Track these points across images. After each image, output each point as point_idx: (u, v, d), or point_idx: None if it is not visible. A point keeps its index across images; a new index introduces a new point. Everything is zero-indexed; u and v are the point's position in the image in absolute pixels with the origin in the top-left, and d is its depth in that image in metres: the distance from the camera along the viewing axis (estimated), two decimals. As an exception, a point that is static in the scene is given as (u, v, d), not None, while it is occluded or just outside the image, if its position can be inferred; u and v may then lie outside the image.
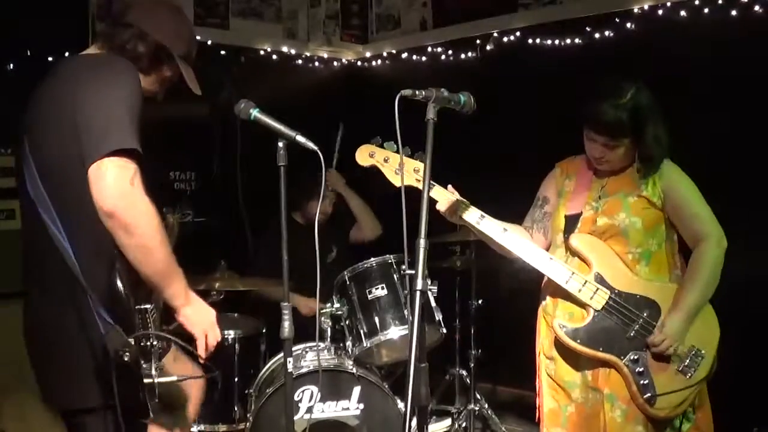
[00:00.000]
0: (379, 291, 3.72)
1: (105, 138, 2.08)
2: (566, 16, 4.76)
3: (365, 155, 2.85)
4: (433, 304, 3.62)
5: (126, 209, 2.08)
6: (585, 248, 2.79)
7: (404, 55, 5.69)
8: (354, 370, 3.57)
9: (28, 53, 4.22)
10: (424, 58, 5.56)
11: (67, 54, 2.45)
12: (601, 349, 2.72)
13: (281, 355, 3.48)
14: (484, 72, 5.09)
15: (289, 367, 2.49)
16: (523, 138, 4.66)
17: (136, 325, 2.16)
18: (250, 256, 4.70)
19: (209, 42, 5.04)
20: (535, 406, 3.03)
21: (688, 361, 2.72)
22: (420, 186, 2.65)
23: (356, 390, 3.56)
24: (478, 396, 4.53)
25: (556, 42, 4.83)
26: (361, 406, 3.56)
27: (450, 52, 5.40)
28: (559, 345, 2.85)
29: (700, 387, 2.76)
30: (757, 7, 4.01)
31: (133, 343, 2.07)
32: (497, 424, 4.45)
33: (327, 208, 4.61)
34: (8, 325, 2.55)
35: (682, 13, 4.26)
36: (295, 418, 3.37)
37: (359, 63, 6.06)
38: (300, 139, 2.41)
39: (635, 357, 2.71)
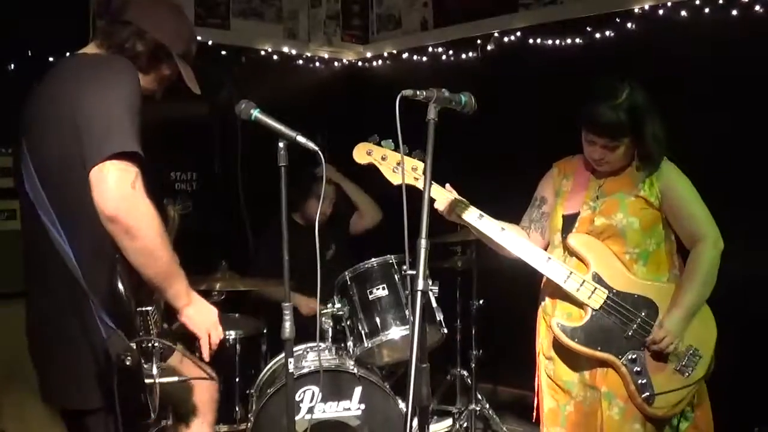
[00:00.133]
0: (380, 291, 3.72)
1: (106, 141, 2.07)
2: (567, 16, 4.76)
3: (362, 153, 2.85)
4: (434, 304, 3.62)
5: (128, 213, 2.07)
6: (583, 248, 2.79)
7: (405, 56, 5.69)
8: (355, 371, 3.57)
9: (29, 53, 4.22)
10: (424, 59, 5.56)
11: (68, 54, 2.44)
12: (599, 348, 2.73)
13: (282, 355, 3.49)
14: (485, 72, 5.09)
15: (291, 367, 2.49)
16: (523, 138, 4.66)
17: (137, 328, 2.16)
18: (250, 256, 4.70)
19: (210, 42, 5.04)
20: (534, 408, 3.03)
21: (685, 360, 2.73)
22: (418, 185, 2.68)
23: (357, 390, 3.56)
24: (479, 396, 4.53)
25: (557, 42, 4.82)
26: (363, 406, 3.56)
27: (451, 52, 5.40)
28: (557, 345, 2.85)
29: (697, 387, 2.77)
30: (757, 7, 4.01)
31: (134, 347, 2.07)
32: (498, 425, 4.45)
33: (326, 209, 4.60)
34: (8, 325, 2.55)
35: (683, 13, 4.25)
36: (297, 418, 3.37)
37: (360, 63, 6.06)
38: (300, 139, 2.40)
39: (633, 356, 2.72)
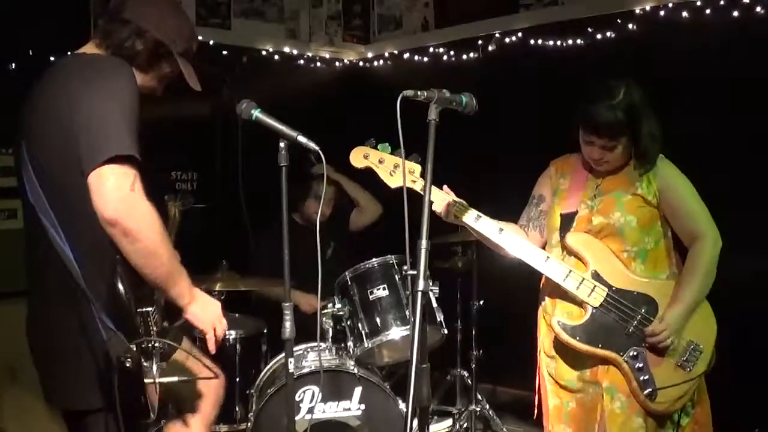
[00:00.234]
0: (381, 291, 3.72)
1: (103, 144, 2.07)
2: (568, 16, 4.76)
3: (359, 157, 2.88)
4: (435, 304, 3.62)
5: (127, 216, 2.07)
6: (581, 247, 2.80)
7: (406, 56, 5.69)
8: (355, 371, 3.57)
9: (30, 52, 4.22)
10: (425, 59, 5.56)
11: (69, 53, 2.44)
12: (600, 345, 2.74)
13: (282, 355, 3.49)
14: (486, 73, 5.09)
15: (291, 367, 2.49)
16: (523, 138, 4.66)
17: (137, 329, 2.16)
18: (251, 256, 4.70)
19: (211, 42, 5.04)
20: (535, 407, 3.04)
21: (687, 355, 2.75)
22: (415, 187, 2.70)
23: (357, 390, 3.56)
24: (479, 397, 4.53)
25: (558, 43, 4.82)
26: (363, 406, 3.56)
27: (452, 52, 5.40)
28: (559, 344, 2.86)
29: (699, 381, 2.79)
30: (758, 8, 4.00)
31: (134, 349, 2.07)
32: (498, 425, 4.45)
33: (325, 209, 4.60)
34: (9, 325, 2.55)
35: (684, 14, 4.25)
36: (297, 418, 3.37)
37: (361, 63, 6.06)
38: (301, 139, 2.40)
39: (635, 353, 2.73)
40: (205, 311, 2.36)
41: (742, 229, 3.23)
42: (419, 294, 1.97)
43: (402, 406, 3.52)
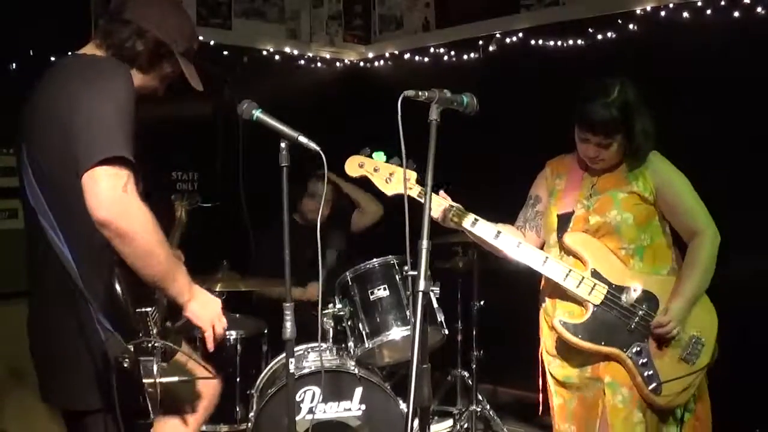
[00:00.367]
0: (381, 292, 3.72)
1: (96, 146, 2.06)
2: (568, 17, 4.76)
3: (354, 166, 2.91)
4: (435, 305, 3.61)
5: (120, 217, 2.06)
6: (579, 246, 2.81)
7: (407, 56, 5.69)
8: (356, 371, 3.57)
9: (31, 52, 4.22)
10: (426, 59, 5.56)
11: (69, 54, 2.43)
12: (603, 343, 2.74)
13: (283, 355, 3.49)
14: (487, 73, 5.10)
15: (291, 367, 2.49)
16: (524, 139, 4.66)
17: (135, 329, 2.15)
18: (251, 256, 4.70)
19: (212, 42, 5.05)
20: (536, 406, 3.04)
21: (690, 349, 2.76)
22: (412, 193, 2.72)
23: (358, 391, 3.56)
24: (480, 397, 4.53)
25: (558, 43, 4.83)
26: (363, 406, 3.56)
27: (452, 53, 5.41)
28: (561, 344, 2.87)
29: (703, 373, 2.80)
30: (759, 9, 4.01)
31: (132, 349, 2.07)
32: (499, 425, 4.45)
33: (324, 210, 4.59)
34: (9, 325, 2.55)
35: (685, 14, 4.26)
36: (297, 418, 3.37)
37: (362, 63, 6.06)
38: (302, 139, 2.40)
39: (638, 349, 2.74)
40: (204, 309, 2.35)
41: (743, 229, 3.23)
42: (420, 294, 1.97)
43: (403, 406, 3.52)
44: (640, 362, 2.73)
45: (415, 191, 2.77)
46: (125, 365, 2.02)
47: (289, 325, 2.44)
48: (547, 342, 2.97)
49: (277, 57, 5.51)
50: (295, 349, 2.84)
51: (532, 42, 4.93)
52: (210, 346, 2.39)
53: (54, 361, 2.27)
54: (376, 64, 5.97)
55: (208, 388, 2.72)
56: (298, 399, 3.47)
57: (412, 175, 2.74)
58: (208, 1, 5.12)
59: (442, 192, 2.86)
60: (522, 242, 2.83)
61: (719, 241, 2.81)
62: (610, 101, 2.70)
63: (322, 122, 4.48)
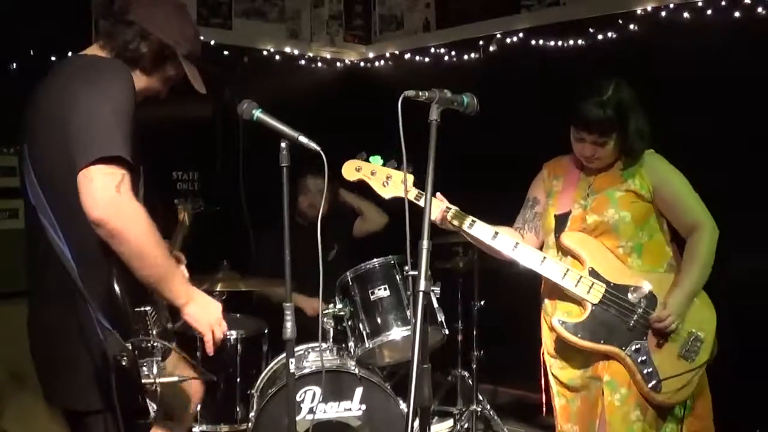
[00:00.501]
0: (382, 292, 3.72)
1: (92, 145, 2.07)
2: (569, 17, 4.76)
3: (352, 170, 2.91)
4: (436, 305, 3.62)
5: (113, 216, 2.06)
6: (576, 245, 2.82)
7: (407, 56, 5.69)
8: (356, 371, 3.57)
9: (31, 53, 4.22)
10: (426, 59, 5.56)
11: (70, 54, 2.43)
12: (602, 341, 2.75)
13: (283, 355, 3.49)
14: (487, 73, 5.09)
15: (292, 367, 2.49)
16: (524, 139, 4.65)
17: (134, 328, 2.15)
18: (252, 256, 4.70)
19: (212, 42, 5.05)
20: (536, 407, 3.04)
21: (689, 345, 2.76)
22: (409, 197, 2.68)
23: (358, 391, 3.56)
24: (480, 397, 4.53)
25: (559, 43, 4.83)
26: (363, 406, 3.56)
27: (453, 53, 5.41)
28: (561, 344, 2.87)
29: (702, 370, 2.80)
30: (760, 9, 4.00)
31: (130, 347, 2.07)
32: (499, 425, 4.45)
33: (322, 205, 4.57)
34: (9, 325, 2.55)
35: (685, 14, 4.26)
36: (297, 418, 3.37)
37: (362, 64, 6.06)
38: (303, 139, 2.40)
39: (637, 347, 2.74)
40: (203, 313, 2.35)
41: (743, 229, 3.23)
42: (420, 294, 1.97)
43: (403, 406, 3.52)
44: (639, 360, 2.73)
45: (412, 194, 2.77)
46: (123, 363, 2.02)
47: (289, 326, 2.44)
48: (547, 343, 2.97)
49: (277, 57, 5.51)
50: (296, 349, 2.84)
51: (533, 42, 4.93)
52: (209, 350, 2.39)
53: (54, 361, 2.27)
54: (377, 64, 5.97)
55: (195, 391, 2.72)
56: (298, 399, 3.47)
57: (410, 178, 2.74)
58: (208, 1, 5.13)
59: (439, 194, 2.86)
60: (519, 243, 2.83)
61: (718, 235, 2.81)
62: (605, 100, 2.71)
63: (322, 122, 4.48)
